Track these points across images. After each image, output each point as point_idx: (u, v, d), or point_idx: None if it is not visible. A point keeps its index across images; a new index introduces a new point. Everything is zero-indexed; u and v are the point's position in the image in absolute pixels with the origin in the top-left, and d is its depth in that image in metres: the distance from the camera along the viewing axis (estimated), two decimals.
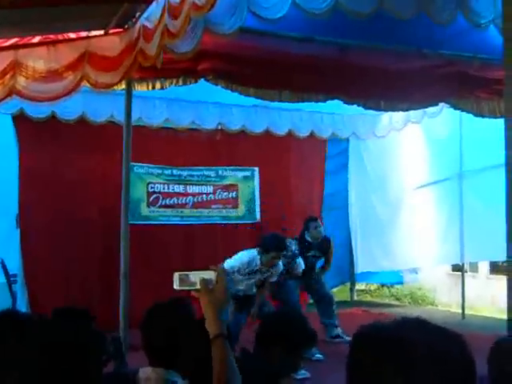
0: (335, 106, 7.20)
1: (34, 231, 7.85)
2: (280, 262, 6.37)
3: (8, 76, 4.68)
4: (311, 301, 7.95)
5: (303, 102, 6.83)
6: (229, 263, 6.24)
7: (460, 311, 9.59)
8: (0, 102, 4.88)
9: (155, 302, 2.80)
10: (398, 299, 12.46)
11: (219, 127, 8.83)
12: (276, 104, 7.44)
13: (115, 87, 5.14)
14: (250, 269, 6.22)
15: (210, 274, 1.75)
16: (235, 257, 6.32)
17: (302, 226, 7.59)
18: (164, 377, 2.57)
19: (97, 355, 1.85)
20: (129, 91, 5.38)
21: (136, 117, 7.18)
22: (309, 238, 7.44)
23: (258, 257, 6.22)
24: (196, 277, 1.75)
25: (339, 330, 7.36)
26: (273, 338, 2.85)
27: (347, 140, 10.04)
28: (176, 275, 1.78)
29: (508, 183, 3.35)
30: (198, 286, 1.74)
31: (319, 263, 7.70)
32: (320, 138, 9.58)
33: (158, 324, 2.68)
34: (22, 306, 7.65)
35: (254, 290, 6.41)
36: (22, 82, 4.74)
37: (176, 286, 1.78)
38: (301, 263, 7.04)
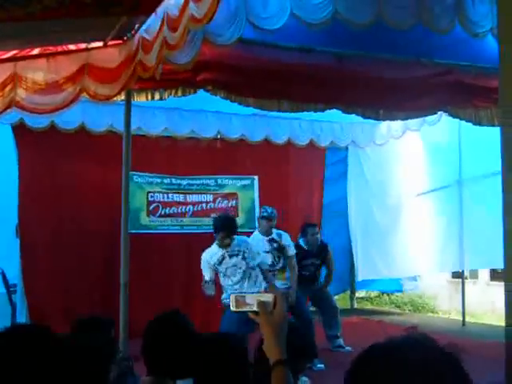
0: (334, 114, 7.22)
1: (34, 241, 7.86)
2: (238, 239, 6.31)
3: (8, 88, 4.69)
4: (312, 308, 7.92)
5: (302, 111, 6.86)
6: (202, 267, 6.28)
7: (460, 318, 9.59)
8: (0, 114, 4.89)
9: (155, 314, 2.81)
10: (398, 307, 12.46)
11: (218, 136, 8.85)
12: (275, 113, 7.46)
13: (114, 98, 5.16)
14: (216, 258, 6.21)
15: (267, 297, 1.75)
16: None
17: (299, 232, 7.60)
18: None
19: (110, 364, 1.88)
20: (128, 102, 5.39)
21: (135, 126, 7.20)
22: (304, 245, 7.42)
23: (214, 244, 6.28)
24: (253, 299, 1.75)
25: (341, 341, 7.36)
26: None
27: (346, 148, 10.05)
28: (232, 297, 1.78)
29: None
30: (255, 308, 1.73)
31: (322, 272, 7.67)
32: (319, 146, 9.59)
33: (159, 334, 2.70)
34: (22, 316, 7.65)
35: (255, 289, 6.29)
36: (21, 93, 4.76)
37: (233, 308, 1.77)
38: (291, 246, 7.00)
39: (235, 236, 6.25)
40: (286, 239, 6.99)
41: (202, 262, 6.31)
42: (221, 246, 6.19)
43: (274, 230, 7.00)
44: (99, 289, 7.87)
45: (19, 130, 7.59)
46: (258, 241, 6.78)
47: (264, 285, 6.34)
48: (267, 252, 6.84)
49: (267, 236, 6.92)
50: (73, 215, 8.05)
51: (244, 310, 1.75)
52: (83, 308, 7.68)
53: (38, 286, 7.79)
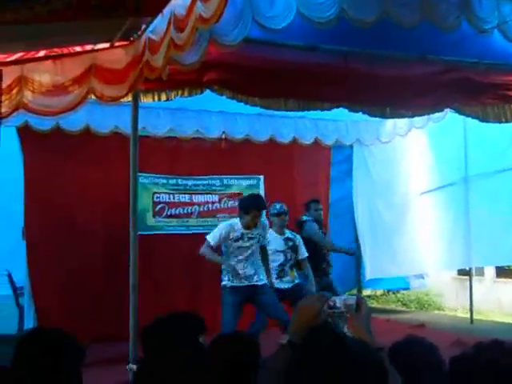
0: (339, 112, 7.18)
1: (40, 243, 7.85)
2: (265, 222, 6.53)
3: (15, 91, 4.69)
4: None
5: (308, 110, 6.85)
6: (210, 236, 6.35)
7: (467, 315, 9.58)
8: (8, 117, 4.88)
9: (168, 312, 2.82)
10: (404, 305, 12.43)
11: (223, 136, 8.83)
12: (280, 112, 7.44)
13: (121, 100, 5.15)
14: (235, 235, 6.28)
15: (351, 301, 2.04)
16: (214, 229, 6.45)
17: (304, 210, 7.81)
18: None
19: None
20: (135, 104, 5.38)
21: (140, 127, 7.12)
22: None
23: (238, 221, 6.36)
24: (340, 303, 2.04)
25: None
26: None
27: (351, 146, 10.03)
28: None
29: None
30: (343, 310, 2.02)
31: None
32: (324, 145, 9.57)
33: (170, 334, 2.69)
34: (29, 318, 7.65)
35: (259, 277, 6.40)
36: (28, 96, 4.75)
37: (326, 310, 2.04)
38: (303, 248, 7.14)
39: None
40: (300, 241, 7.13)
41: (218, 229, 6.37)
42: (249, 226, 6.26)
43: (287, 230, 7.08)
44: (107, 290, 7.85)
45: (24, 131, 7.57)
46: (273, 239, 6.88)
47: (260, 265, 6.45)
48: (281, 251, 6.94)
49: (281, 235, 7.02)
50: (79, 217, 8.06)
51: (333, 311, 2.03)
52: (91, 310, 7.71)
53: (45, 288, 7.79)
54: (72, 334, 2.61)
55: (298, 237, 7.19)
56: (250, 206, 6.27)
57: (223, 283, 6.37)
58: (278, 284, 6.84)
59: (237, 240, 6.30)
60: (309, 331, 1.96)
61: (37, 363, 2.15)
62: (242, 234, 6.30)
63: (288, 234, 7.10)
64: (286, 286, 6.90)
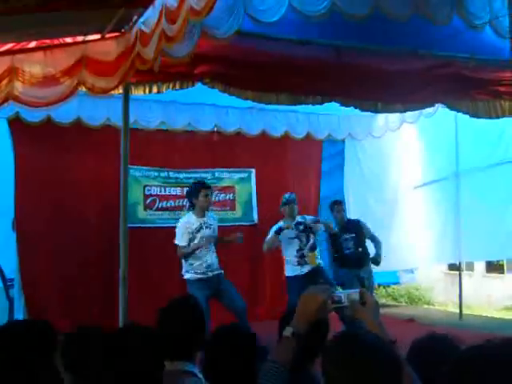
0: (331, 106, 7.20)
1: (31, 235, 7.84)
2: (211, 214, 6.80)
3: (5, 81, 4.65)
4: None
5: (300, 104, 6.85)
6: (177, 240, 6.55)
7: (456, 310, 9.62)
8: None
9: (170, 299, 2.85)
10: (394, 299, 12.48)
11: (215, 129, 8.83)
12: (272, 106, 7.43)
13: (112, 92, 5.12)
14: (193, 227, 6.50)
15: (355, 294, 2.10)
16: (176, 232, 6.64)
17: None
18: (183, 369, 2.62)
19: None
20: (126, 96, 5.35)
21: (132, 119, 7.13)
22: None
23: (191, 213, 6.63)
24: (344, 297, 2.10)
25: None
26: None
27: (343, 141, 10.05)
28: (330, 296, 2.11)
29: None
30: (346, 304, 2.08)
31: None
32: (316, 139, 9.59)
33: (174, 319, 2.74)
34: (19, 310, 7.64)
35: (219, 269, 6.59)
36: (19, 87, 4.72)
37: (332, 305, 2.10)
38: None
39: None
40: (310, 217, 7.40)
41: (179, 229, 6.57)
42: (204, 208, 6.52)
43: (298, 216, 7.26)
44: (98, 283, 7.86)
45: (15, 123, 7.55)
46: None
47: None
48: (293, 238, 7.07)
49: (291, 222, 7.12)
50: (70, 209, 8.04)
51: (339, 306, 2.08)
52: (82, 302, 7.71)
53: (35, 280, 7.78)
54: (43, 321, 2.67)
55: (308, 216, 7.41)
56: (196, 189, 6.56)
57: (185, 274, 6.55)
58: (298, 271, 7.00)
59: (198, 230, 6.49)
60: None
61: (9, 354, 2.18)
62: (201, 225, 6.52)
63: (298, 218, 7.21)
64: (305, 271, 7.05)
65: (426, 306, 11.97)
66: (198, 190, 6.55)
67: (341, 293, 2.11)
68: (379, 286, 12.83)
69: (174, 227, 8.63)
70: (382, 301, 12.23)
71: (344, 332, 1.83)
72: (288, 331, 2.01)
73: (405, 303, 12.17)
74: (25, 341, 2.51)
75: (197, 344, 2.69)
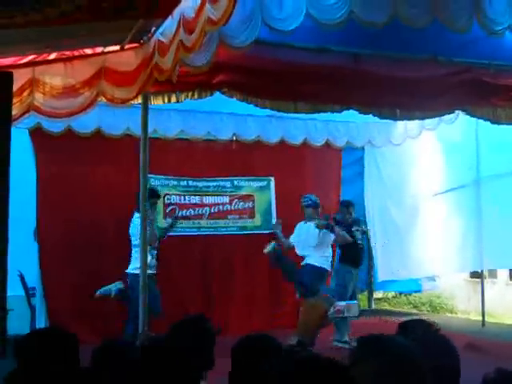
0: (350, 114, 7.18)
1: (52, 244, 7.90)
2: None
3: (26, 93, 4.72)
4: None
5: (319, 112, 6.84)
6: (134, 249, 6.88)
7: (479, 318, 9.50)
8: (19, 119, 4.92)
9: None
10: (416, 307, 12.34)
11: (234, 138, 8.84)
12: (290, 114, 7.43)
13: (131, 102, 5.17)
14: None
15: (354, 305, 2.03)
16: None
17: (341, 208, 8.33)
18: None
19: None
20: (145, 105, 5.40)
21: (151, 129, 7.18)
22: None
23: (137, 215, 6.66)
24: (343, 307, 2.05)
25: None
26: None
27: (362, 148, 10.00)
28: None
29: None
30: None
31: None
32: (335, 146, 9.55)
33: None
34: (41, 319, 7.69)
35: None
36: (39, 98, 4.79)
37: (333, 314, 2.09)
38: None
39: None
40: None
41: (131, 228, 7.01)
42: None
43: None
44: None
45: (36, 134, 7.63)
46: (301, 227, 7.69)
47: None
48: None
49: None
50: (90, 218, 8.08)
51: (341, 316, 2.04)
52: (102, 310, 7.73)
53: (56, 289, 7.83)
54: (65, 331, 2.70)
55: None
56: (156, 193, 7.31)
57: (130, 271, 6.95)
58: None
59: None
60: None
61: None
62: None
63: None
64: None
65: (448, 314, 11.83)
66: (155, 196, 7.06)
67: (341, 303, 2.13)
68: (400, 294, 12.74)
69: (194, 235, 8.74)
70: (404, 309, 12.13)
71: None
72: (293, 340, 2.01)
73: (426, 311, 12.02)
74: (48, 350, 2.53)
75: None
